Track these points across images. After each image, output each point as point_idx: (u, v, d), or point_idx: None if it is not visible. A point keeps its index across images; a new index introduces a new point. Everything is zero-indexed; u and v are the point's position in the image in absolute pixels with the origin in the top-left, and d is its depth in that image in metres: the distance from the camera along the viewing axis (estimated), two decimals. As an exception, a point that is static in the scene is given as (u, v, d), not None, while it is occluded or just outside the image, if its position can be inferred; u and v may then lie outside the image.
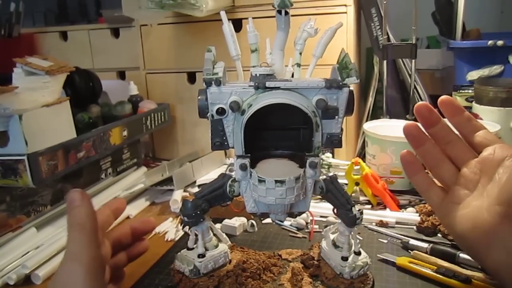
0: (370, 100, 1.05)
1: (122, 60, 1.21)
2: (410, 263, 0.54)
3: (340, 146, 0.46)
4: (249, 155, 0.45)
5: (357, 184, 0.77)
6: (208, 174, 0.93)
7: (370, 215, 0.69)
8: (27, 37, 1.27)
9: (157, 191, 0.88)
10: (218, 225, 0.68)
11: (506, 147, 0.43)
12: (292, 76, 0.49)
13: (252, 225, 0.70)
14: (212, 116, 0.45)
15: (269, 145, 0.49)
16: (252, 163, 0.45)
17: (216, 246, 0.53)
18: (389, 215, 0.70)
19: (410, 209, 0.72)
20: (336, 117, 0.45)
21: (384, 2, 0.97)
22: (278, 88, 0.44)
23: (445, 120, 0.47)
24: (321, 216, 0.71)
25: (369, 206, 0.75)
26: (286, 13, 0.45)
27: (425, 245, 0.58)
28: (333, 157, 0.94)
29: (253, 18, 0.48)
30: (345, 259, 0.50)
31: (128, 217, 0.79)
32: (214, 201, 0.50)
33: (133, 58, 1.14)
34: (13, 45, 1.20)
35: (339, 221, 0.51)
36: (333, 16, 0.93)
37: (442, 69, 1.25)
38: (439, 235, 0.63)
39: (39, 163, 0.65)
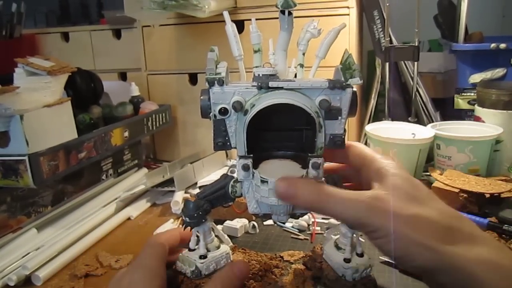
0: (372, 102, 1.05)
1: (123, 61, 1.21)
2: (413, 266, 0.53)
3: (343, 147, 0.46)
4: (252, 155, 0.45)
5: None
6: (209, 176, 0.93)
7: (372, 218, 0.69)
8: (28, 38, 1.27)
9: (158, 193, 0.88)
10: (219, 226, 0.68)
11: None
12: (295, 76, 0.49)
13: (254, 226, 0.69)
14: (215, 116, 0.44)
15: (272, 146, 0.49)
16: (255, 164, 0.45)
17: (218, 248, 0.53)
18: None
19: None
20: (339, 117, 0.45)
21: (387, 4, 0.97)
22: (281, 88, 0.43)
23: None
24: (323, 218, 0.71)
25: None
26: (290, 13, 0.45)
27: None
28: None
29: (256, 19, 0.47)
30: (347, 261, 0.49)
31: (129, 218, 0.78)
32: (216, 201, 0.50)
33: (134, 59, 1.14)
34: (15, 45, 1.20)
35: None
36: (336, 18, 0.93)
37: (444, 72, 1.24)
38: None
39: (40, 163, 0.65)
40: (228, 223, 0.69)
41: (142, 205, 0.83)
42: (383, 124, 0.91)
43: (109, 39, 1.22)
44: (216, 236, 0.55)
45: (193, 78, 1.09)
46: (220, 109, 0.44)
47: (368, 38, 1.07)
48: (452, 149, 0.81)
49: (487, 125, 0.85)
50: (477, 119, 0.90)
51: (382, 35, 1.00)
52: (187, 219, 0.49)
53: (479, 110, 0.89)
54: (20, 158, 0.64)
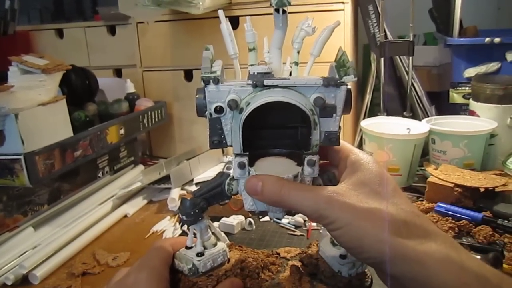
0: (368, 97, 1.05)
1: (118, 57, 1.20)
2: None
3: (338, 144, 0.46)
4: (247, 153, 0.45)
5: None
6: (206, 172, 0.93)
7: (368, 213, 0.69)
8: (22, 35, 1.26)
9: (154, 190, 0.88)
10: (216, 224, 0.68)
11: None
12: (290, 74, 0.49)
13: (250, 223, 0.70)
14: (210, 114, 0.44)
15: (267, 144, 0.49)
16: (250, 162, 0.45)
17: (215, 245, 0.53)
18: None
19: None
20: (334, 115, 0.45)
21: (381, -1, 0.97)
22: (276, 86, 0.43)
23: None
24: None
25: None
26: (284, 11, 0.45)
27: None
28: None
29: (250, 15, 0.47)
30: (343, 257, 0.50)
31: (125, 216, 0.79)
32: (213, 199, 0.50)
33: (129, 55, 1.14)
34: (8, 43, 1.19)
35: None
36: (331, 13, 0.93)
37: (439, 66, 1.25)
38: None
39: (35, 162, 0.65)
40: (224, 220, 0.70)
41: (139, 202, 0.83)
42: (378, 120, 0.91)
43: (103, 35, 1.21)
44: (213, 233, 0.55)
45: (188, 75, 1.08)
46: (216, 107, 0.44)
47: (363, 32, 1.07)
48: (447, 144, 0.82)
49: (482, 120, 0.86)
50: (472, 113, 0.90)
51: (377, 30, 1.00)
52: (184, 217, 0.50)
53: (474, 104, 0.90)
54: (15, 157, 0.64)
